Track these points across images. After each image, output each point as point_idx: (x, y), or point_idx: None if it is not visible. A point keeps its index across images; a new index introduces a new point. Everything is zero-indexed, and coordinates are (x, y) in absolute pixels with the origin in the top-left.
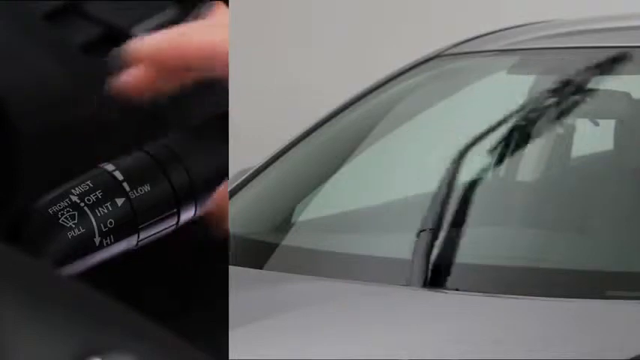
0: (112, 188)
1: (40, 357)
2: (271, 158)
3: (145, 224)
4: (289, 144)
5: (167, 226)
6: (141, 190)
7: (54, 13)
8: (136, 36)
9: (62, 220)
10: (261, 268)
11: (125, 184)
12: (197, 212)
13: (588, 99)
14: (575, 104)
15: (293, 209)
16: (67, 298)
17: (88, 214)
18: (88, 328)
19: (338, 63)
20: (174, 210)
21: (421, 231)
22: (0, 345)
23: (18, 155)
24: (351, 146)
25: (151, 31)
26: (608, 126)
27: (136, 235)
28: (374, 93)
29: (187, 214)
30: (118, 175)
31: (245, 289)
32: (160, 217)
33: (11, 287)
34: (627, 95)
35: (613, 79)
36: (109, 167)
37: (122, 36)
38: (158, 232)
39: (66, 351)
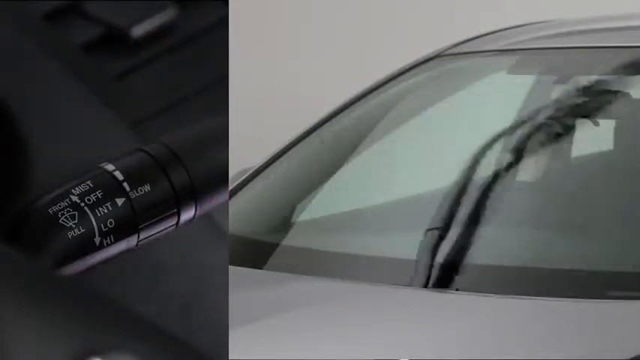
0: (112, 188)
1: (40, 357)
2: (271, 158)
3: (145, 224)
4: (289, 144)
5: (167, 226)
6: (141, 190)
7: (54, 13)
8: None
9: (62, 220)
10: (261, 268)
11: (125, 184)
12: (197, 212)
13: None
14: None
15: (293, 209)
16: (67, 298)
17: (88, 214)
18: (88, 328)
19: (338, 63)
20: (175, 210)
21: (428, 230)
22: (0, 345)
23: (18, 155)
24: (351, 146)
25: (151, 31)
26: (608, 126)
27: (136, 235)
28: (374, 93)
29: (187, 214)
30: (118, 175)
31: (245, 289)
32: (160, 217)
33: (11, 287)
34: (627, 95)
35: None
36: (109, 167)
37: (122, 36)
38: (158, 232)
39: (66, 351)
